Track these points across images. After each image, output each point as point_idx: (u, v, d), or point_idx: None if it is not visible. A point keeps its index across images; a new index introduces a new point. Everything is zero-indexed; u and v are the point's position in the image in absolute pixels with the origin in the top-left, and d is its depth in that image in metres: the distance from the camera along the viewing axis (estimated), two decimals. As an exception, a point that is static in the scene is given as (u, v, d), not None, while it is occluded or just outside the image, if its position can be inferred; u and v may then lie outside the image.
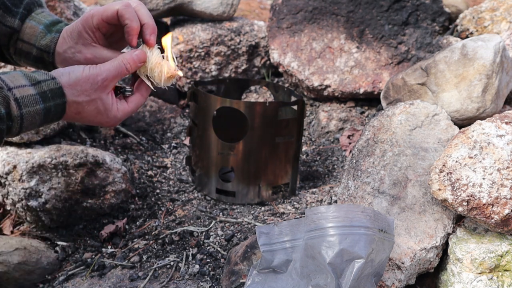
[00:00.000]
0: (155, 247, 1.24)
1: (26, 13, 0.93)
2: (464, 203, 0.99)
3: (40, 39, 0.91)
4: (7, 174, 1.32)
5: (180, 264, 1.15)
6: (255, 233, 1.10)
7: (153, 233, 1.30)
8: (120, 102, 0.86)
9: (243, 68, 2.04)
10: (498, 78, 1.25)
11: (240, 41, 2.00)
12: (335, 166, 1.62)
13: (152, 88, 0.91)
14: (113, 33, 0.93)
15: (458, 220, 1.12)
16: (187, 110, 1.96)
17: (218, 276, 1.11)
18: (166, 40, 1.00)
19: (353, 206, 0.92)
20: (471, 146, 1.02)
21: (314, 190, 1.48)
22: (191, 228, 1.28)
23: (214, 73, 2.01)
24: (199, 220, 1.33)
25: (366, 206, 1.12)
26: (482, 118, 1.24)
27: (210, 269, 1.13)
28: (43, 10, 0.96)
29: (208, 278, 1.10)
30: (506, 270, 1.01)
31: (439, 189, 1.02)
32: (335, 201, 1.36)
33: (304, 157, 1.69)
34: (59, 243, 1.34)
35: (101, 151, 1.43)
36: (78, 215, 1.37)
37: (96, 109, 0.82)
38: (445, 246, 1.08)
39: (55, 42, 0.90)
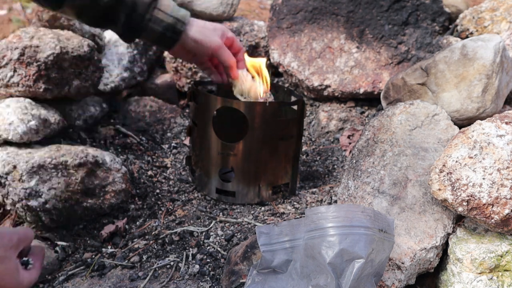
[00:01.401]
0: (155, 247, 1.24)
1: None
2: (464, 203, 0.99)
3: (177, 11, 1.12)
4: (7, 174, 1.32)
5: (180, 264, 1.15)
6: (255, 233, 1.10)
7: (153, 233, 1.30)
8: (24, 270, 0.80)
9: (243, 68, 2.04)
10: (498, 78, 1.25)
11: (240, 41, 2.00)
12: (335, 166, 1.62)
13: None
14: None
15: (458, 220, 1.12)
16: (187, 110, 1.96)
17: (218, 276, 1.11)
18: (262, 65, 1.33)
19: (353, 206, 0.92)
20: (471, 146, 1.02)
21: (314, 190, 1.48)
22: (191, 228, 1.28)
23: (214, 73, 2.01)
24: (199, 220, 1.33)
25: (366, 206, 1.12)
26: (482, 118, 1.24)
27: (210, 269, 1.13)
28: None
29: (208, 278, 1.10)
30: (506, 270, 1.01)
31: (439, 189, 1.02)
32: (335, 201, 1.36)
33: (304, 157, 1.69)
34: (59, 243, 1.34)
35: (101, 151, 1.43)
36: (78, 215, 1.37)
37: (6, 269, 0.75)
38: (445, 246, 1.08)
39: (189, 17, 1.14)
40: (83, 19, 1.11)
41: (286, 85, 1.99)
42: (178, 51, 1.18)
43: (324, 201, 1.40)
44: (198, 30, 1.14)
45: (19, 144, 1.40)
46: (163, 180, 1.57)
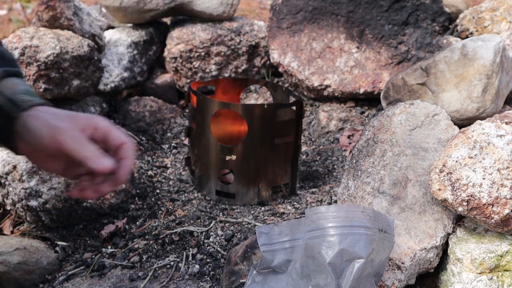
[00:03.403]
0: (155, 247, 1.24)
1: (14, 72, 0.81)
2: (464, 203, 0.99)
3: (18, 94, 0.77)
4: (7, 174, 1.32)
5: (180, 264, 1.15)
6: (255, 233, 1.10)
7: (153, 233, 1.30)
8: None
9: (243, 68, 2.04)
10: (498, 78, 1.25)
11: (240, 41, 2.00)
12: (335, 166, 1.62)
13: None
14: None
15: (458, 220, 1.12)
16: (187, 110, 1.96)
17: (218, 276, 1.11)
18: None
19: (353, 206, 0.92)
20: (471, 146, 1.02)
21: (314, 190, 1.48)
22: (191, 228, 1.28)
23: (214, 73, 2.01)
24: (199, 220, 1.33)
25: (366, 206, 1.12)
26: (482, 118, 1.24)
27: (210, 269, 1.13)
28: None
29: (208, 278, 1.10)
30: (506, 270, 1.01)
31: (439, 189, 1.02)
32: (335, 201, 1.36)
33: (304, 157, 1.69)
34: (59, 243, 1.34)
35: (101, 151, 1.43)
36: (78, 215, 1.37)
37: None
38: (445, 246, 1.08)
39: (33, 104, 0.77)
40: None
41: (286, 85, 1.99)
42: (29, 153, 0.78)
43: (324, 201, 1.40)
44: (37, 115, 0.75)
45: (19, 144, 1.40)
46: (163, 180, 1.57)
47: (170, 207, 1.42)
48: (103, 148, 0.77)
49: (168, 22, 2.12)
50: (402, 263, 1.01)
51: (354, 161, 1.26)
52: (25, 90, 0.79)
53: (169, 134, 1.84)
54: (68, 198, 1.34)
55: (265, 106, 1.33)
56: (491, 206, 0.98)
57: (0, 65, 0.80)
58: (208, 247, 1.21)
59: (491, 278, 1.01)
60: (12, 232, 1.38)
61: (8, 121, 0.76)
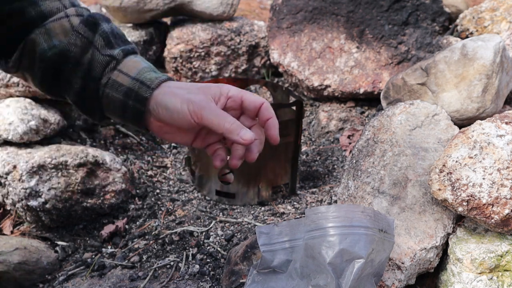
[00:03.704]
0: (155, 247, 1.24)
1: (131, 50, 0.82)
2: (464, 203, 0.99)
3: (144, 72, 0.78)
4: (7, 174, 1.32)
5: (180, 264, 1.15)
6: (255, 233, 1.10)
7: (153, 233, 1.30)
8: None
9: (243, 68, 2.04)
10: (498, 78, 1.25)
11: (240, 41, 2.00)
12: (335, 166, 1.62)
13: None
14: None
15: (458, 220, 1.12)
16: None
17: (218, 276, 1.11)
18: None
19: (353, 206, 0.92)
20: (471, 146, 1.02)
21: (314, 190, 1.48)
22: (191, 228, 1.28)
23: (214, 73, 2.01)
24: (199, 220, 1.33)
25: (366, 206, 1.12)
26: (482, 118, 1.24)
27: (210, 269, 1.13)
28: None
29: (208, 278, 1.10)
30: (506, 270, 1.01)
31: (439, 189, 1.02)
32: (335, 201, 1.36)
33: (304, 157, 1.69)
34: (59, 243, 1.34)
35: (101, 151, 1.43)
36: (78, 215, 1.37)
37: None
38: (445, 246, 1.08)
39: (161, 81, 0.77)
40: (40, 87, 0.83)
41: (286, 85, 1.99)
42: (159, 128, 0.79)
43: (324, 201, 1.40)
44: (170, 91, 0.76)
45: (19, 144, 1.40)
46: (163, 180, 1.57)
47: (170, 207, 1.42)
48: (239, 115, 0.79)
49: (168, 22, 2.12)
50: (402, 263, 1.01)
51: (354, 161, 1.26)
52: (149, 67, 0.80)
53: (169, 134, 1.84)
54: (68, 198, 1.34)
55: (265, 106, 1.32)
56: (491, 206, 0.98)
57: (116, 44, 0.81)
58: (208, 247, 1.21)
59: (491, 278, 1.01)
60: (12, 232, 1.38)
61: (140, 102, 0.76)
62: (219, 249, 1.19)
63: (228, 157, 0.81)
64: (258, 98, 0.79)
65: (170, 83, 0.78)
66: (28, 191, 1.31)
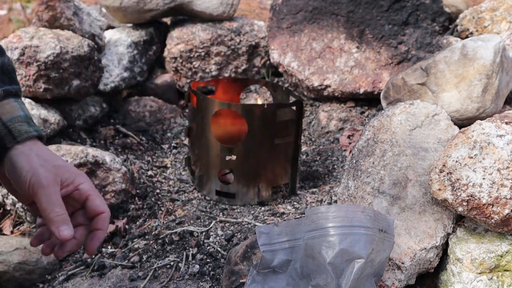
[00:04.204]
0: (155, 247, 1.24)
1: (14, 92, 0.79)
2: (464, 203, 0.99)
3: (16, 122, 0.75)
4: (7, 174, 1.32)
5: (180, 264, 1.15)
6: (255, 233, 1.10)
7: (153, 233, 1.30)
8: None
9: (243, 68, 2.04)
10: (498, 78, 1.25)
11: (240, 41, 2.00)
12: (335, 166, 1.62)
13: None
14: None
15: (458, 220, 1.12)
16: (187, 110, 1.96)
17: (218, 276, 1.11)
18: None
19: (353, 206, 0.92)
20: (471, 146, 1.02)
21: (314, 190, 1.48)
22: (191, 228, 1.28)
23: (214, 73, 2.01)
24: (199, 220, 1.33)
25: (366, 206, 1.12)
26: (482, 118, 1.24)
27: (210, 269, 1.13)
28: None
29: (208, 278, 1.10)
30: (506, 270, 1.01)
31: (439, 189, 1.02)
32: (335, 201, 1.36)
33: (304, 157, 1.69)
34: (59, 243, 1.34)
35: (101, 151, 1.43)
36: (78, 215, 1.37)
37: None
38: (445, 246, 1.08)
39: (30, 136, 0.75)
40: None
41: (286, 85, 1.99)
42: (3, 180, 0.77)
43: (324, 201, 1.40)
44: (27, 156, 0.73)
45: (19, 144, 1.40)
46: (163, 180, 1.57)
47: (170, 207, 1.42)
48: (77, 209, 0.77)
49: (168, 22, 2.12)
50: (402, 263, 1.01)
51: (354, 161, 1.26)
52: (24, 117, 0.77)
53: (169, 134, 1.84)
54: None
55: (265, 106, 1.33)
56: (491, 206, 0.98)
57: (1, 81, 0.78)
58: (208, 247, 1.21)
59: (491, 278, 1.01)
60: (12, 232, 1.38)
61: (2, 148, 0.74)
62: (219, 249, 1.19)
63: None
64: (102, 206, 0.76)
65: (36, 144, 0.75)
66: (28, 191, 1.31)
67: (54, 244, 0.77)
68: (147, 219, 1.38)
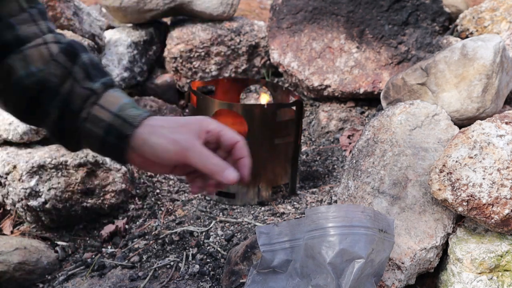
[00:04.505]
0: (155, 247, 1.24)
1: (110, 83, 0.81)
2: (464, 203, 0.99)
3: (125, 109, 0.78)
4: (7, 174, 1.32)
5: (180, 264, 1.15)
6: (255, 233, 1.10)
7: (153, 233, 1.30)
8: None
9: (243, 68, 2.04)
10: (498, 78, 1.25)
11: (240, 41, 2.00)
12: (335, 166, 1.62)
13: None
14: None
15: (458, 220, 1.12)
16: (187, 110, 1.96)
17: (218, 276, 1.11)
18: None
19: (353, 206, 0.92)
20: (471, 146, 1.02)
21: (314, 190, 1.48)
22: (191, 228, 1.28)
23: (214, 73, 2.01)
24: (199, 220, 1.33)
25: (366, 206, 1.12)
26: (482, 118, 1.24)
27: (210, 269, 1.13)
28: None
29: (208, 278, 1.10)
30: (506, 270, 1.01)
31: (439, 189, 1.02)
32: (335, 201, 1.36)
33: (304, 157, 1.69)
34: (59, 243, 1.34)
35: (101, 151, 1.43)
36: (78, 215, 1.37)
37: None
38: (445, 246, 1.08)
39: (143, 118, 0.77)
40: (14, 113, 0.82)
41: (286, 85, 1.99)
42: (140, 163, 0.80)
43: (324, 201, 1.40)
44: (154, 131, 0.77)
45: (19, 144, 1.40)
46: (163, 180, 1.57)
47: (170, 207, 1.42)
48: (215, 148, 0.80)
49: (168, 22, 2.12)
50: (402, 263, 1.01)
51: (354, 161, 1.26)
52: (130, 103, 0.79)
53: (169, 134, 1.84)
54: (68, 198, 1.34)
55: (265, 106, 1.33)
56: (491, 206, 0.98)
57: (95, 76, 0.80)
58: (208, 247, 1.21)
59: (491, 278, 1.01)
60: (12, 232, 1.38)
61: (121, 139, 0.76)
62: (219, 249, 1.19)
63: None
64: (234, 136, 0.80)
65: (152, 120, 0.78)
66: (28, 191, 1.31)
67: (213, 184, 0.82)
68: (147, 219, 1.38)
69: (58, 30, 0.87)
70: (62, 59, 0.78)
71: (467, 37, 1.77)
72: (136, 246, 1.26)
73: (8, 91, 0.79)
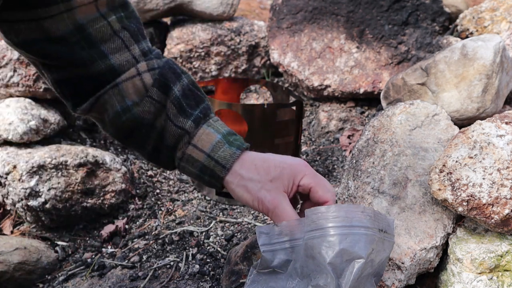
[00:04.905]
0: (155, 247, 1.24)
1: (202, 116, 0.82)
2: (464, 203, 0.99)
3: (218, 149, 0.79)
4: (7, 174, 1.32)
5: (180, 264, 1.15)
6: (255, 233, 1.10)
7: (153, 233, 1.30)
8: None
9: (243, 68, 2.04)
10: (498, 78, 1.25)
11: (240, 41, 2.00)
12: (335, 166, 1.62)
13: None
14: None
15: (458, 220, 1.12)
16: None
17: (218, 276, 1.11)
18: None
19: (353, 206, 0.92)
20: (471, 146, 1.02)
21: (314, 190, 1.48)
22: (191, 228, 1.28)
23: (214, 73, 2.01)
24: (199, 220, 1.33)
25: (366, 206, 1.12)
26: (482, 118, 1.24)
27: (210, 269, 1.13)
28: (218, 118, 0.87)
29: (208, 278, 1.10)
30: (506, 270, 1.01)
31: (439, 189, 1.02)
32: (335, 201, 1.36)
33: (304, 157, 1.69)
34: (59, 243, 1.34)
35: (101, 151, 1.43)
36: (78, 215, 1.37)
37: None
38: (445, 246, 1.08)
39: (235, 158, 0.79)
40: (111, 132, 0.86)
41: (286, 85, 1.99)
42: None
43: (324, 201, 1.40)
44: (242, 184, 0.78)
45: (19, 144, 1.40)
46: (163, 180, 1.57)
47: (170, 207, 1.42)
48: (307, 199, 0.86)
49: (168, 22, 2.12)
50: (402, 263, 1.01)
51: (354, 161, 1.26)
52: (222, 141, 0.81)
53: (169, 134, 1.84)
54: (68, 198, 1.34)
55: (265, 106, 1.33)
56: (491, 206, 0.98)
57: (188, 107, 0.81)
58: (208, 247, 1.21)
59: (491, 278, 1.01)
60: (12, 232, 1.38)
61: (215, 179, 0.81)
62: (219, 249, 1.19)
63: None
64: (324, 195, 0.83)
65: (244, 165, 0.79)
66: (28, 191, 1.31)
67: None
68: (147, 219, 1.38)
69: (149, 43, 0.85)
70: (156, 94, 0.80)
71: (467, 37, 1.77)
72: (136, 246, 1.26)
73: (105, 121, 0.83)
